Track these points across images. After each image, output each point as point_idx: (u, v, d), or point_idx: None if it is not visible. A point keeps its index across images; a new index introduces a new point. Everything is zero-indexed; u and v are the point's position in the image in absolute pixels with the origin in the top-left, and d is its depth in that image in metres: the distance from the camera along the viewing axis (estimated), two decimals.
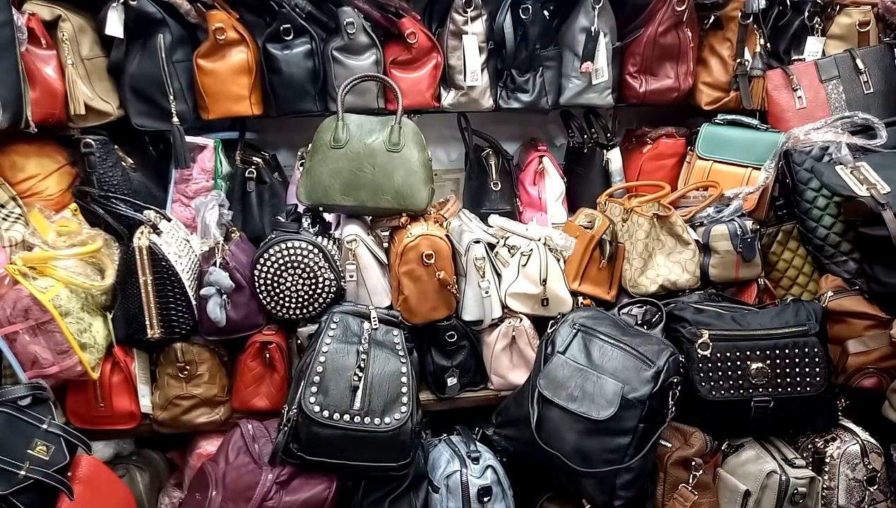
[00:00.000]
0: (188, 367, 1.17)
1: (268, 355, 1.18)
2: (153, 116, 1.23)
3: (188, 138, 1.26)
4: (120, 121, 1.23)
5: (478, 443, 1.18)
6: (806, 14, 1.39)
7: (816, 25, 1.40)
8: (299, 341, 1.22)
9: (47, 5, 1.15)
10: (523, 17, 1.31)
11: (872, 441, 1.17)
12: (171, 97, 1.20)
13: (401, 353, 1.13)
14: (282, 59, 1.25)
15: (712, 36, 1.42)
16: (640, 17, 1.37)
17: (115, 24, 1.17)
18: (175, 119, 1.22)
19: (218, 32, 1.21)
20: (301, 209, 1.24)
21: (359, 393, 1.04)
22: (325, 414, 1.02)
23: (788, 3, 1.39)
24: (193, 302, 1.16)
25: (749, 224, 1.27)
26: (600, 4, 1.32)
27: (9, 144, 1.16)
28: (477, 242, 1.21)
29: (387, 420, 1.04)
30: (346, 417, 1.02)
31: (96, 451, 1.13)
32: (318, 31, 1.28)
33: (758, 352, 1.12)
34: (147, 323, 1.13)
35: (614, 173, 1.48)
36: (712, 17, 1.40)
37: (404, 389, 1.08)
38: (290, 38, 1.26)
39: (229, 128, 1.38)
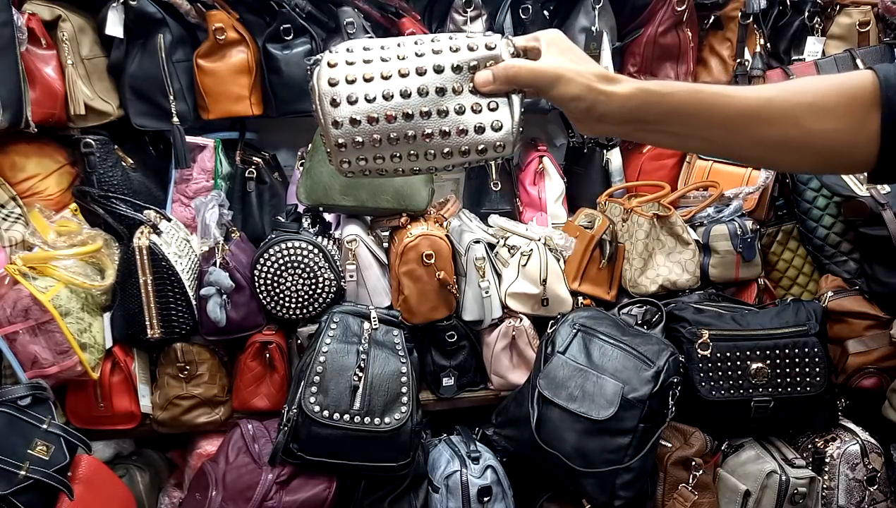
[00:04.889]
0: (188, 367, 1.17)
1: (268, 355, 1.17)
2: (153, 116, 1.23)
3: (188, 138, 1.26)
4: (120, 121, 1.23)
5: (478, 443, 1.18)
6: (806, 14, 1.39)
7: (816, 25, 1.40)
8: (299, 341, 1.21)
9: (47, 5, 1.14)
10: (523, 17, 1.31)
11: (872, 441, 1.17)
12: (171, 97, 1.20)
13: (401, 353, 1.12)
14: (282, 59, 1.25)
15: (712, 36, 1.42)
16: (639, 17, 1.38)
17: (115, 25, 1.17)
18: (175, 119, 1.22)
19: (218, 32, 1.21)
20: (301, 209, 1.24)
21: (359, 392, 1.04)
22: (325, 413, 1.02)
23: (788, 3, 1.39)
24: (193, 303, 1.16)
25: (749, 224, 1.27)
26: (600, 4, 1.32)
27: (9, 144, 1.16)
28: (477, 242, 1.21)
29: (387, 419, 1.04)
30: (346, 417, 1.02)
31: (96, 451, 1.12)
32: (318, 31, 1.28)
33: (758, 352, 1.12)
34: (147, 323, 1.12)
35: (614, 173, 1.48)
36: (712, 17, 1.40)
37: (404, 389, 1.07)
38: (290, 38, 1.25)
39: (229, 128, 1.38)
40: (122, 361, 1.15)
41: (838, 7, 1.40)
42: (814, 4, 1.38)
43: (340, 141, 0.58)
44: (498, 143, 0.59)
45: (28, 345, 1.03)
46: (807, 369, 1.13)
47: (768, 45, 1.40)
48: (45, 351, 1.04)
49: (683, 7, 1.33)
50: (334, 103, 0.57)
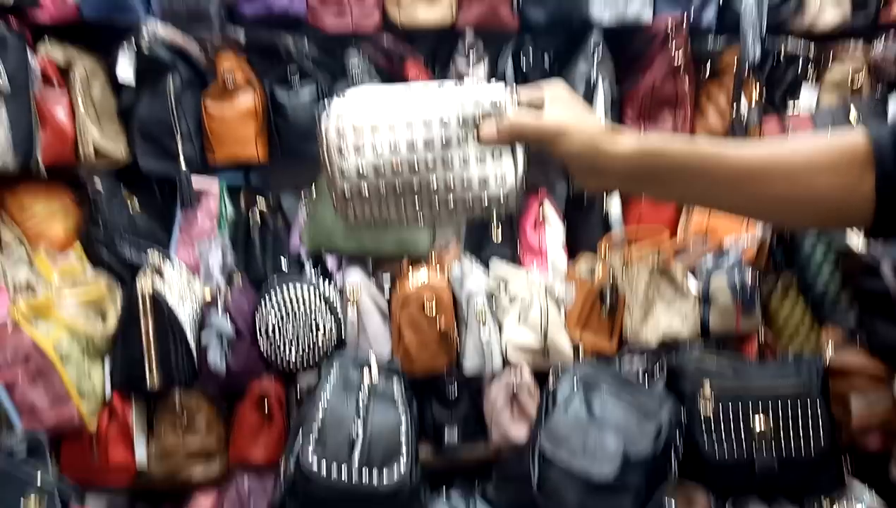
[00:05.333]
0: (186, 417, 1.15)
1: (266, 405, 1.16)
2: (161, 159, 1.25)
3: (194, 181, 1.28)
4: (127, 163, 1.25)
5: (477, 500, 1.16)
6: (800, 65, 1.42)
7: (811, 76, 1.44)
8: (299, 389, 1.20)
9: (61, 48, 1.17)
10: (524, 64, 1.34)
11: (881, 502, 1.14)
12: (179, 141, 1.22)
13: (400, 404, 1.11)
14: (288, 104, 1.28)
15: (709, 84, 1.45)
16: (638, 65, 1.40)
17: (126, 69, 1.19)
18: (182, 163, 1.23)
19: (226, 76, 1.23)
20: (304, 253, 1.25)
21: (357, 445, 1.02)
22: (324, 467, 1.00)
23: (783, 52, 1.42)
24: (193, 349, 1.15)
25: (749, 274, 1.28)
26: (599, 52, 1.35)
27: (17, 185, 1.17)
28: (478, 291, 1.21)
29: (385, 473, 1.02)
30: (345, 469, 1.01)
31: (89, 506, 1.10)
32: (324, 76, 1.30)
33: (760, 409, 1.11)
34: (147, 369, 1.11)
35: (614, 220, 1.49)
36: (709, 66, 1.43)
37: (403, 439, 1.06)
38: (297, 82, 1.28)
39: (235, 171, 1.39)
40: (119, 411, 1.13)
41: (832, 58, 1.44)
42: (805, 59, 1.42)
43: (346, 190, 0.58)
44: (502, 197, 0.60)
45: (27, 393, 1.02)
46: (810, 428, 1.11)
47: (765, 91, 1.42)
48: (44, 399, 1.03)
49: (681, 56, 1.35)
50: (341, 153, 0.58)
